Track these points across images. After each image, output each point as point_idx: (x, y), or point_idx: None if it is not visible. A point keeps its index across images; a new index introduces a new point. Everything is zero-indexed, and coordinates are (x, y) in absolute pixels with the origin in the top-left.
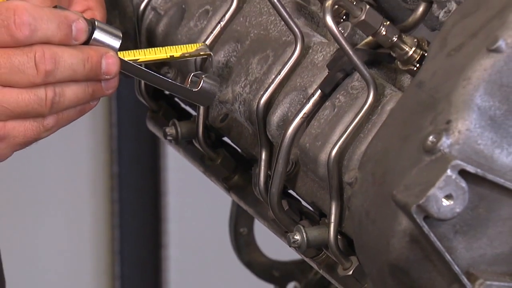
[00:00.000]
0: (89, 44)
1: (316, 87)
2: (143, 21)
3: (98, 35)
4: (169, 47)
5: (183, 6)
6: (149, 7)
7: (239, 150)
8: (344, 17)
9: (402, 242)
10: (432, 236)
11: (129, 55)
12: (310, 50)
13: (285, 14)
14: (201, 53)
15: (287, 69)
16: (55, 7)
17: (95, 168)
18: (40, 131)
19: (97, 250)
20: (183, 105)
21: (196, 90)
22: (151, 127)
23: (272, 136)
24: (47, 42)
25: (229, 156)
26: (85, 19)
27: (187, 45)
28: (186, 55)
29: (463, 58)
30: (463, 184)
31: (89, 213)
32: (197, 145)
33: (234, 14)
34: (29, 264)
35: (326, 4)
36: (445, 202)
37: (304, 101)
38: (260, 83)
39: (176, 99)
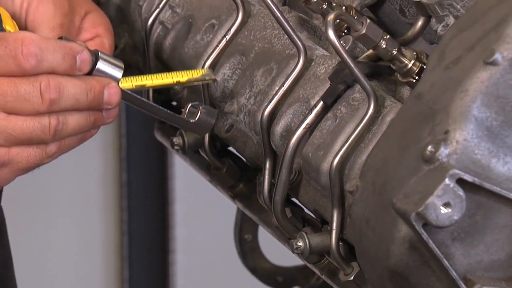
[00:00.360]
0: (92, 74)
1: (318, 98)
2: (151, 35)
3: (101, 65)
4: (175, 72)
5: (190, 20)
6: (157, 21)
7: (244, 159)
8: (345, 31)
9: (402, 249)
10: (431, 243)
11: (136, 81)
12: (313, 63)
13: (288, 28)
14: (206, 78)
15: (290, 81)
16: (61, 38)
17: (105, 176)
18: (43, 158)
19: (106, 255)
20: None
21: (193, 121)
22: (159, 137)
23: (276, 146)
24: (52, 72)
25: (234, 165)
26: (89, 50)
27: (192, 71)
28: (192, 80)
29: (460, 71)
30: (461, 192)
31: (99, 220)
32: (203, 154)
33: (239, 28)
34: (40, 269)
35: (328, 18)
36: (443, 210)
37: (307, 112)
38: (264, 95)
39: (182, 110)
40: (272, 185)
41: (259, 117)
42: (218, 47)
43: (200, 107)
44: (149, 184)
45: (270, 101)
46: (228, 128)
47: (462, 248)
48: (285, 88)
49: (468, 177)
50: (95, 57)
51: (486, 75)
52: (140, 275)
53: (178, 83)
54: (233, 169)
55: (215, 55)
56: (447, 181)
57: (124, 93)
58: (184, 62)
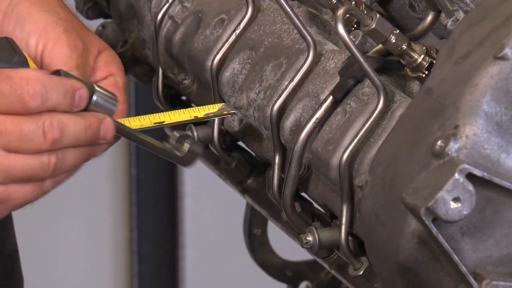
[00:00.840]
0: (88, 107)
1: (328, 93)
2: (160, 30)
3: (96, 99)
4: (192, 108)
5: (200, 15)
6: (166, 16)
7: (253, 154)
8: (355, 25)
9: (411, 243)
10: (440, 238)
11: (154, 119)
12: (322, 58)
13: (298, 23)
14: (224, 112)
15: (300, 76)
16: (58, 72)
17: (114, 171)
18: (39, 194)
19: (116, 250)
20: None
21: (181, 155)
22: (168, 131)
23: (286, 140)
24: (54, 110)
25: (243, 160)
26: (85, 83)
27: (209, 106)
28: (210, 115)
29: (470, 66)
30: (471, 187)
31: (108, 215)
32: (212, 149)
33: (248, 23)
34: (50, 264)
35: (338, 13)
36: (453, 205)
37: (316, 106)
38: (273, 90)
39: (192, 104)
40: (281, 180)
41: (269, 112)
42: (227, 42)
43: (187, 141)
44: (158, 179)
45: (280, 96)
46: (238, 123)
47: (471, 243)
48: (295, 82)
49: (477, 172)
50: (91, 90)
51: (496, 70)
52: (149, 270)
53: (196, 118)
54: (242, 163)
55: (224, 50)
56: (456, 176)
57: (117, 126)
58: (194, 57)
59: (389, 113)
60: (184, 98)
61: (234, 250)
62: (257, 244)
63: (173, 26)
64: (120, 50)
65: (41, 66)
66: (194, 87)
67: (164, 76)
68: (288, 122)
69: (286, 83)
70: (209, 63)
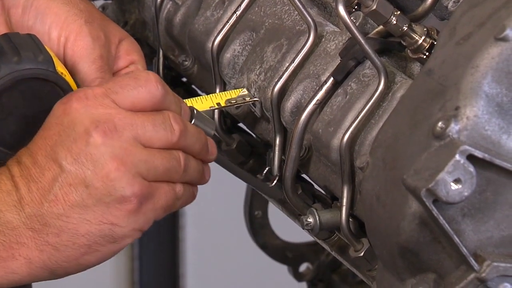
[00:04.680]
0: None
1: (328, 74)
2: (161, 11)
3: (195, 121)
4: (212, 95)
5: None
6: None
7: (254, 135)
8: (356, 7)
9: (412, 225)
10: (441, 219)
11: None
12: (323, 39)
13: (298, 4)
14: (246, 99)
15: (300, 57)
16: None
17: None
18: (174, 198)
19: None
20: (200, 92)
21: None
22: None
23: (286, 122)
24: None
25: (244, 141)
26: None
27: (228, 92)
28: (233, 102)
29: (471, 47)
30: (471, 168)
31: None
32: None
33: (249, 4)
34: None
35: None
36: (454, 186)
37: (317, 88)
38: (274, 71)
39: (193, 86)
40: (282, 162)
41: (269, 93)
42: (228, 23)
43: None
44: None
45: (281, 77)
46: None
47: (472, 224)
48: (296, 64)
49: (478, 153)
50: (191, 114)
51: (497, 51)
52: (150, 250)
53: (219, 106)
54: (243, 145)
55: (225, 31)
56: (457, 157)
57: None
58: (194, 38)
59: (389, 94)
60: (184, 79)
61: (235, 232)
62: (258, 226)
63: (174, 7)
64: None
65: (64, 58)
66: (194, 69)
67: (165, 57)
68: (289, 103)
69: (287, 64)
70: (210, 45)
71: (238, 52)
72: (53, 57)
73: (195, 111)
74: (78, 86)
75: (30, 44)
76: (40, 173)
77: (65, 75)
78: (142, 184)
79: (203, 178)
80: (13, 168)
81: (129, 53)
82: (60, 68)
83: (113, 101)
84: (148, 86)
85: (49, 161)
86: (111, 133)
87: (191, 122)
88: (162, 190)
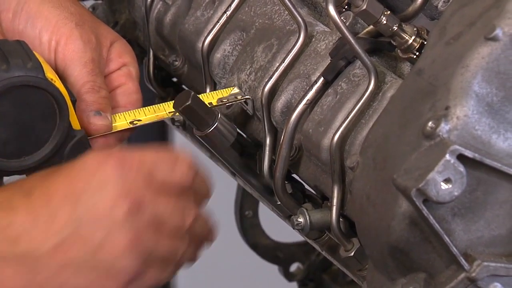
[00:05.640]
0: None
1: (319, 74)
2: (151, 11)
3: (219, 127)
4: (202, 94)
5: None
6: None
7: (244, 135)
8: (346, 6)
9: (402, 225)
10: (431, 219)
11: (169, 107)
12: (313, 39)
13: (289, 4)
14: (238, 97)
15: (291, 57)
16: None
17: None
18: (161, 278)
19: None
20: None
21: None
22: None
23: (276, 122)
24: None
25: (235, 141)
26: (210, 110)
27: (219, 91)
28: (224, 100)
29: (461, 47)
30: (461, 168)
31: None
32: None
33: (239, 4)
34: None
35: None
36: (444, 186)
37: (308, 88)
38: (264, 71)
39: (184, 86)
40: (272, 162)
41: (260, 93)
42: (218, 23)
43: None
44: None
45: (271, 77)
46: (229, 105)
47: (462, 224)
48: (286, 64)
49: (468, 153)
50: (214, 118)
51: (487, 51)
52: None
53: (210, 105)
54: (234, 145)
55: (215, 31)
56: (447, 157)
57: None
58: (185, 38)
59: (380, 94)
60: (175, 79)
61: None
62: (248, 226)
63: (164, 7)
64: None
65: (55, 62)
66: (185, 69)
67: (155, 57)
68: (279, 103)
69: (277, 64)
70: (200, 45)
71: (228, 52)
72: (42, 63)
73: (219, 115)
74: (68, 90)
75: (19, 51)
76: (51, 215)
77: (55, 81)
78: (140, 263)
79: (195, 259)
80: (19, 200)
81: (121, 55)
82: (50, 74)
83: (147, 175)
84: (182, 168)
85: (66, 207)
86: (136, 210)
87: (214, 126)
88: (153, 271)
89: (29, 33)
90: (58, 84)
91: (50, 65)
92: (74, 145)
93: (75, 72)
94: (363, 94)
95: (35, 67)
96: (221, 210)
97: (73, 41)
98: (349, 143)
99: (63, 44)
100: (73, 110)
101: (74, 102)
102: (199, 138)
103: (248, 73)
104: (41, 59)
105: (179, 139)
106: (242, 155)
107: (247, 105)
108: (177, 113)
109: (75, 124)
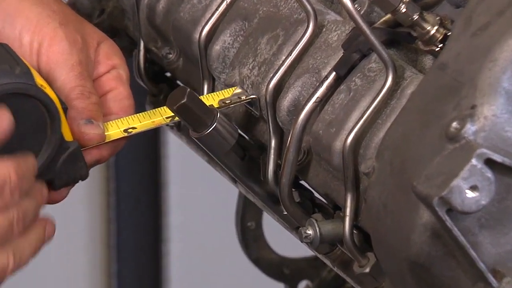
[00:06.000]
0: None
1: (330, 69)
2: None
3: (218, 127)
4: (202, 96)
5: None
6: None
7: (246, 137)
8: None
9: (423, 237)
10: (456, 231)
11: (166, 112)
12: (324, 29)
13: None
14: (242, 97)
15: (298, 50)
16: None
17: None
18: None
19: (92, 245)
20: None
21: None
22: None
23: (283, 122)
24: None
25: (236, 143)
26: (208, 109)
27: (221, 92)
28: (227, 102)
29: (489, 38)
30: (489, 174)
31: (83, 206)
32: None
33: None
34: None
35: None
36: (470, 194)
37: (317, 84)
38: (269, 65)
39: (178, 82)
40: (278, 166)
41: (264, 90)
42: (217, 12)
43: None
44: (140, 165)
45: (276, 72)
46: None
47: (490, 236)
48: (293, 57)
49: (497, 157)
50: (213, 117)
51: None
52: (129, 268)
53: (212, 107)
54: (235, 148)
55: (214, 20)
56: (473, 161)
57: None
58: (180, 28)
59: (398, 91)
60: (168, 74)
61: (225, 244)
62: (251, 239)
63: None
64: (96, 21)
65: (38, 66)
66: (180, 62)
67: (146, 49)
68: (286, 101)
69: (283, 57)
70: (197, 35)
71: (229, 43)
72: (31, 70)
73: (218, 115)
74: (59, 98)
75: (4, 55)
76: None
77: (45, 88)
78: None
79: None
80: None
81: (109, 57)
82: (39, 80)
83: None
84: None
85: None
86: None
87: (212, 126)
88: None
89: (8, 34)
90: (49, 90)
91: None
92: (67, 158)
93: (61, 76)
94: (380, 91)
95: (24, 72)
96: (220, 220)
97: (57, 42)
98: (364, 146)
99: (46, 46)
100: (65, 120)
101: (65, 110)
102: (196, 140)
103: (250, 67)
104: (29, 66)
105: (174, 141)
106: (243, 159)
107: (251, 106)
108: (176, 118)
109: (67, 135)
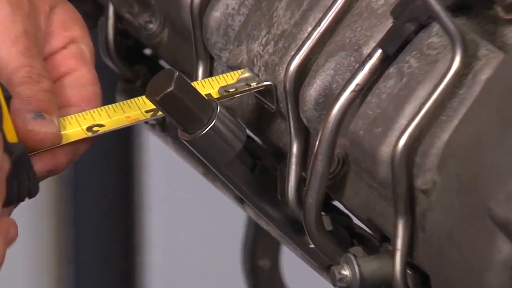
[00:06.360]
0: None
1: (374, 45)
2: None
3: (219, 125)
4: (198, 81)
5: None
6: None
7: (258, 140)
8: None
9: (503, 277)
10: None
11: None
12: None
13: None
14: (252, 84)
15: (330, 18)
16: None
17: None
18: None
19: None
20: None
21: None
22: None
23: (308, 119)
24: None
25: (243, 149)
26: (207, 101)
27: (221, 76)
28: (231, 90)
29: None
30: None
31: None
32: None
33: None
34: None
35: None
36: None
37: (357, 66)
38: (290, 39)
39: (162, 62)
40: (302, 181)
41: (282, 74)
42: None
43: None
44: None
45: (300, 49)
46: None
47: None
48: (323, 28)
49: None
50: (211, 112)
51: None
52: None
53: (210, 96)
54: (242, 155)
55: None
56: None
57: None
58: None
59: (469, 76)
60: (148, 51)
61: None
62: (264, 282)
63: None
64: None
65: None
66: (164, 35)
67: (118, 17)
68: (313, 90)
69: (310, 29)
70: None
71: (233, 9)
72: None
73: (218, 108)
74: (1, 84)
75: None
76: None
77: None
78: None
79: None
80: None
81: (66, 27)
82: None
83: None
84: None
85: None
86: None
87: (210, 125)
88: None
89: None
90: None
91: None
92: (9, 167)
93: (1, 52)
94: (444, 76)
95: None
96: (220, 257)
97: None
98: (421, 153)
99: None
100: (8, 113)
101: (8, 99)
102: (187, 144)
103: (263, 42)
104: None
105: (156, 145)
106: (254, 170)
107: (265, 96)
108: (159, 113)
109: (10, 134)
